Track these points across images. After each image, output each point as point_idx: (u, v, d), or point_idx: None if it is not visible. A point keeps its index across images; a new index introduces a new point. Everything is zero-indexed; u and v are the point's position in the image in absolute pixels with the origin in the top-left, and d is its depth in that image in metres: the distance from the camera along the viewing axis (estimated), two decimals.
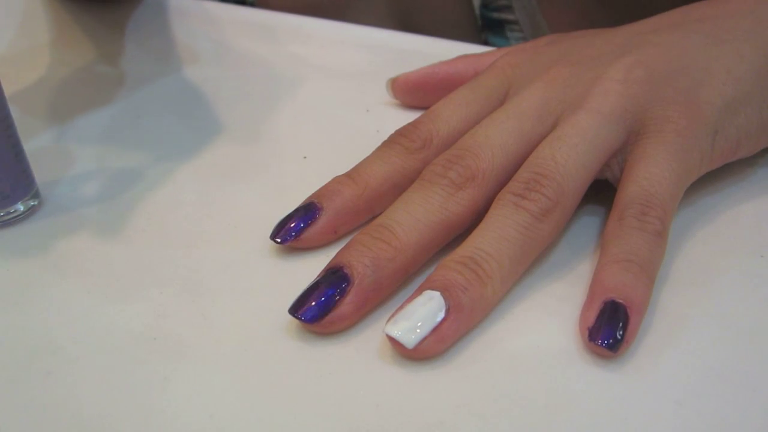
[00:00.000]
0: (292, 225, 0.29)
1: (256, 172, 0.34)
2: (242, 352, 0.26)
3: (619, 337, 0.25)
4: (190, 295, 0.28)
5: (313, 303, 0.26)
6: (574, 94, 0.31)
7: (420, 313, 0.25)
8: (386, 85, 0.39)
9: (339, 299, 0.26)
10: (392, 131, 0.32)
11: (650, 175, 0.29)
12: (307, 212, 0.29)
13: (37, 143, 0.36)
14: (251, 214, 0.32)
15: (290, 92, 0.41)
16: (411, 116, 0.33)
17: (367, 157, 0.31)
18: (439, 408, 0.24)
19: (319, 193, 0.30)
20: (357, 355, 0.26)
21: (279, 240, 0.29)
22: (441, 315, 0.25)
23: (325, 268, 0.27)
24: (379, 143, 0.32)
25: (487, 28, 0.51)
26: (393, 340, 0.25)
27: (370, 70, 0.42)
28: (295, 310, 0.26)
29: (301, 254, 0.30)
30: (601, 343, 0.25)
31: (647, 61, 0.31)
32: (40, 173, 0.33)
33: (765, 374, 0.25)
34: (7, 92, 0.30)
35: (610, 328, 0.25)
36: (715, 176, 0.32)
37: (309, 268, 0.28)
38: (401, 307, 0.26)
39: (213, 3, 0.49)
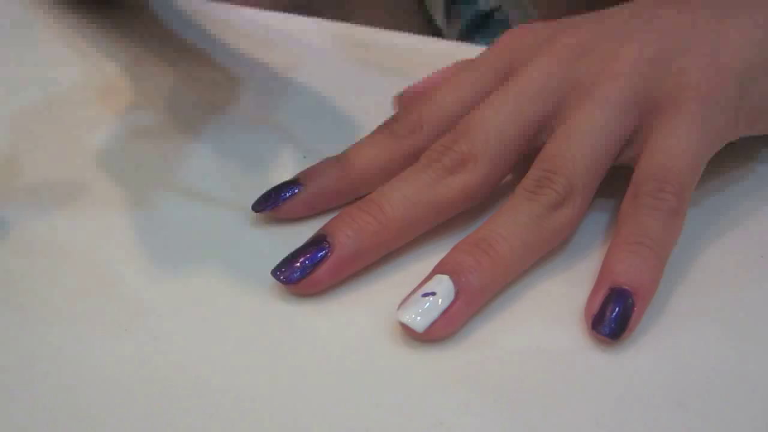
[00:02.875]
0: (272, 196, 0.31)
1: (256, 171, 0.34)
2: (242, 352, 0.26)
3: (621, 325, 0.25)
4: (190, 295, 0.28)
5: (294, 266, 0.27)
6: (580, 73, 0.30)
7: (429, 298, 0.25)
8: (392, 104, 0.38)
9: (317, 265, 0.27)
10: None
11: (667, 147, 0.28)
12: (289, 186, 0.31)
13: (36, 143, 0.36)
14: (250, 213, 0.32)
15: (290, 92, 0.40)
16: None
17: (358, 141, 0.32)
18: (439, 408, 0.24)
19: (304, 171, 0.31)
20: (357, 356, 0.26)
21: (258, 209, 0.30)
22: (450, 298, 0.25)
23: (312, 236, 0.28)
24: None
25: (476, 28, 0.51)
26: (404, 325, 0.25)
27: (369, 71, 0.42)
28: (276, 270, 0.27)
29: None
30: (603, 331, 0.25)
31: (657, 38, 0.30)
32: (39, 173, 0.33)
33: (765, 374, 0.25)
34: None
35: (613, 317, 0.25)
36: (716, 176, 0.32)
37: None
38: (413, 292, 0.26)
39: (213, 3, 0.49)
